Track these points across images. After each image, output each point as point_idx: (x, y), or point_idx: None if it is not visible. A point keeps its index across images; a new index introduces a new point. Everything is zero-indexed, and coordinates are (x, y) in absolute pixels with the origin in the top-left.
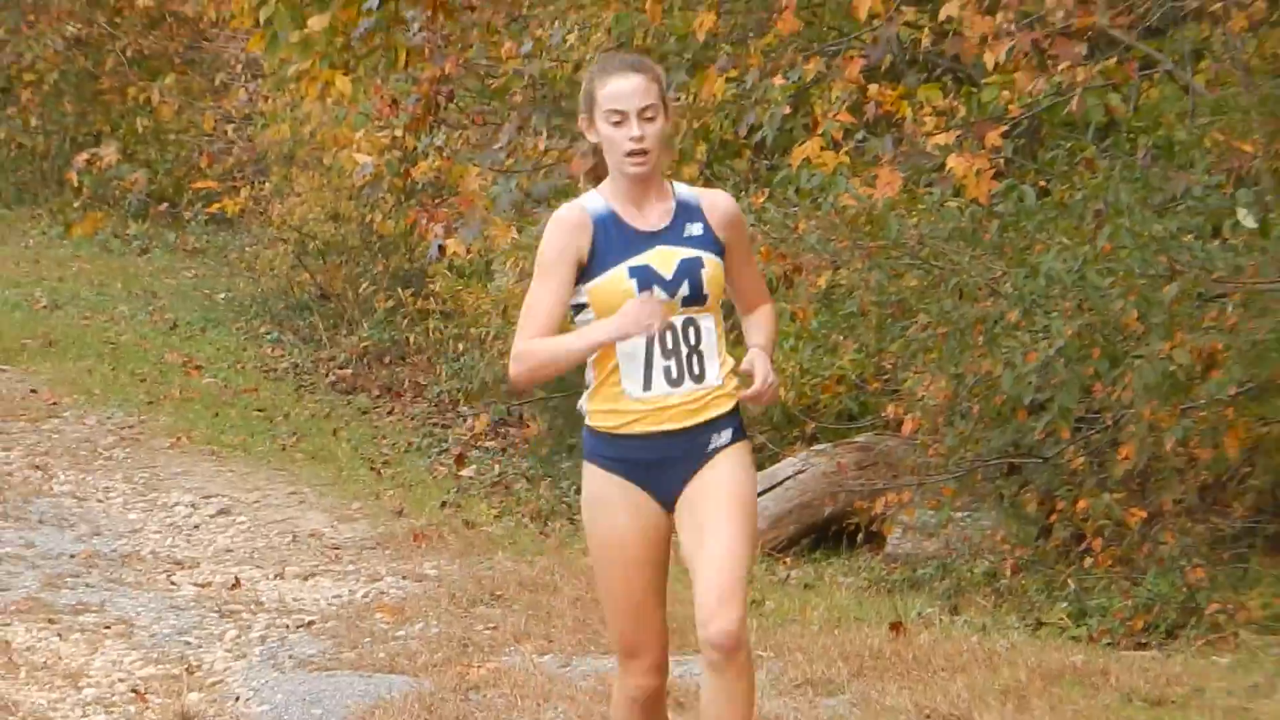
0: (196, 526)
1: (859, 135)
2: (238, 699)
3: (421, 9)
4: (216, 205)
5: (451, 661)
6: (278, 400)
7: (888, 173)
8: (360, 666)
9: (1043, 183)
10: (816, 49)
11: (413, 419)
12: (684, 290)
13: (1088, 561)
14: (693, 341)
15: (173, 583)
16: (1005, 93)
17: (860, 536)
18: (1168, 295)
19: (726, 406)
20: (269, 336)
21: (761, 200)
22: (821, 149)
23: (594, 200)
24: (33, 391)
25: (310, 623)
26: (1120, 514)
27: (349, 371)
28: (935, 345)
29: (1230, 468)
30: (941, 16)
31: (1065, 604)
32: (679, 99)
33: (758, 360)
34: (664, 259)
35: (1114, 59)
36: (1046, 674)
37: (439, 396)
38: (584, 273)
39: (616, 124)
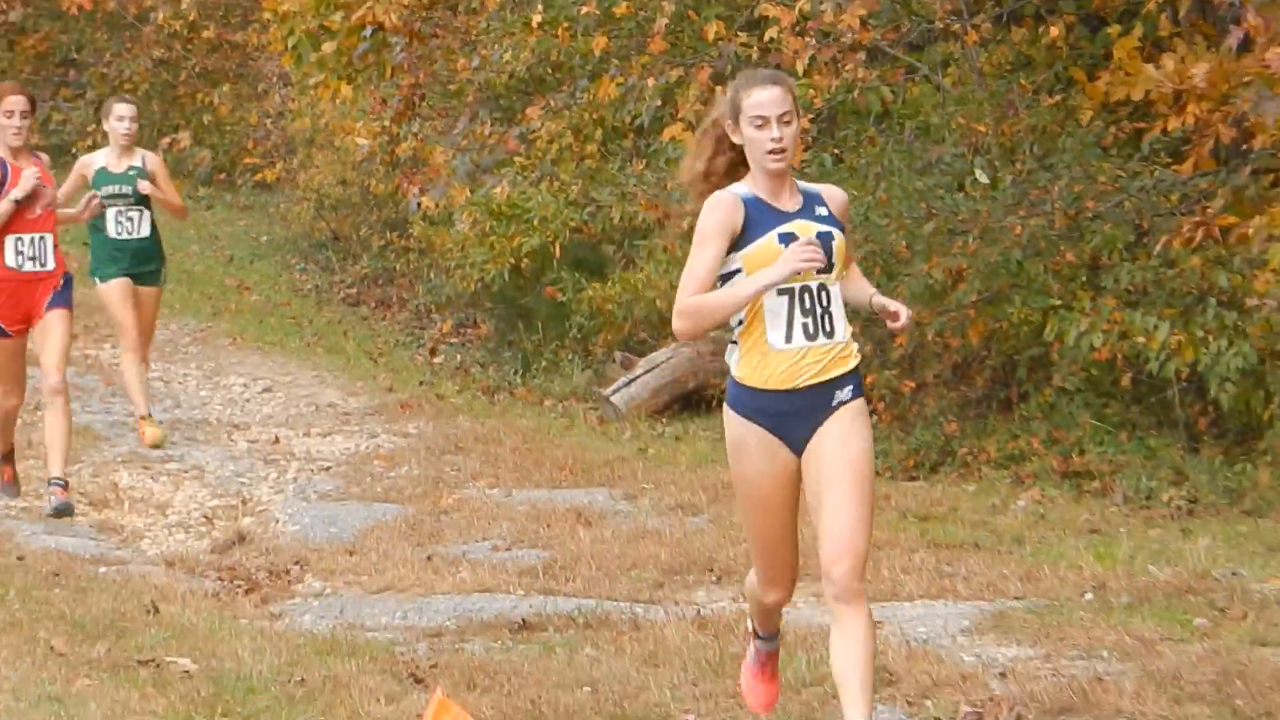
0: (248, 400)
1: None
2: (277, 521)
3: (401, 36)
4: (259, 175)
5: (427, 493)
6: (304, 311)
7: None
8: (364, 498)
9: (837, 153)
10: (678, 62)
11: (399, 324)
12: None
13: (874, 419)
14: (824, 303)
15: (231, 440)
16: (811, 90)
17: (714, 402)
18: (927, 231)
19: (849, 365)
20: (298, 267)
21: (640, 168)
22: (683, 130)
23: (741, 188)
24: None
25: (328, 468)
26: (897, 385)
27: (354, 290)
28: None
29: (973, 352)
30: (765, 38)
31: None
32: (582, 99)
33: (887, 300)
34: (804, 230)
35: (887, 66)
36: None
37: (418, 307)
38: (736, 243)
39: (759, 127)
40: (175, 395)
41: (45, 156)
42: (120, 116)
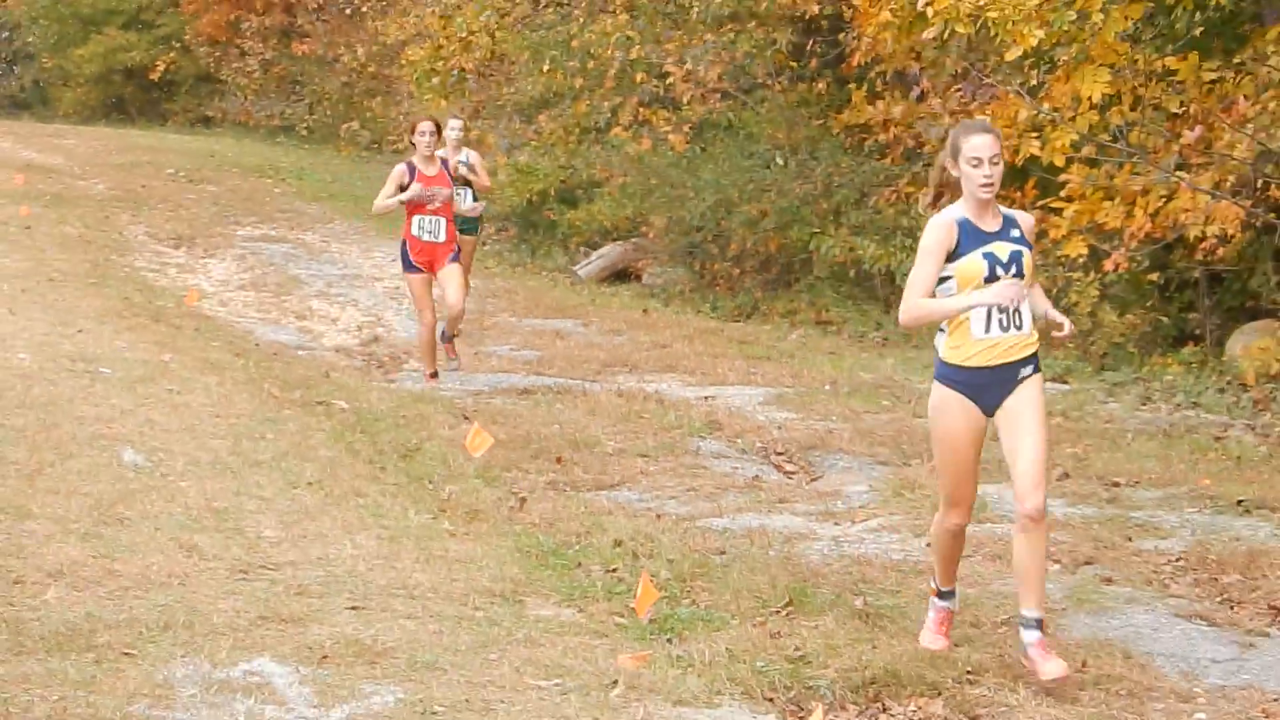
0: (381, 264)
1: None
2: (394, 331)
3: (473, 75)
4: (394, 146)
5: (476, 319)
6: None
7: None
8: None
9: (703, 147)
10: (619, 93)
11: None
12: (1013, 271)
13: (716, 291)
14: (1015, 305)
15: (373, 286)
16: (690, 112)
17: (634, 276)
18: (749, 188)
19: (1032, 349)
20: None
21: (598, 149)
22: (622, 131)
23: (956, 212)
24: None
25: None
26: (729, 270)
27: None
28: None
29: (771, 254)
30: (668, 83)
31: (710, 305)
32: (568, 112)
33: (1057, 314)
34: (1001, 249)
35: (731, 100)
36: (693, 331)
37: None
38: (950, 256)
39: (974, 165)
40: (345, 262)
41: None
42: (453, 128)
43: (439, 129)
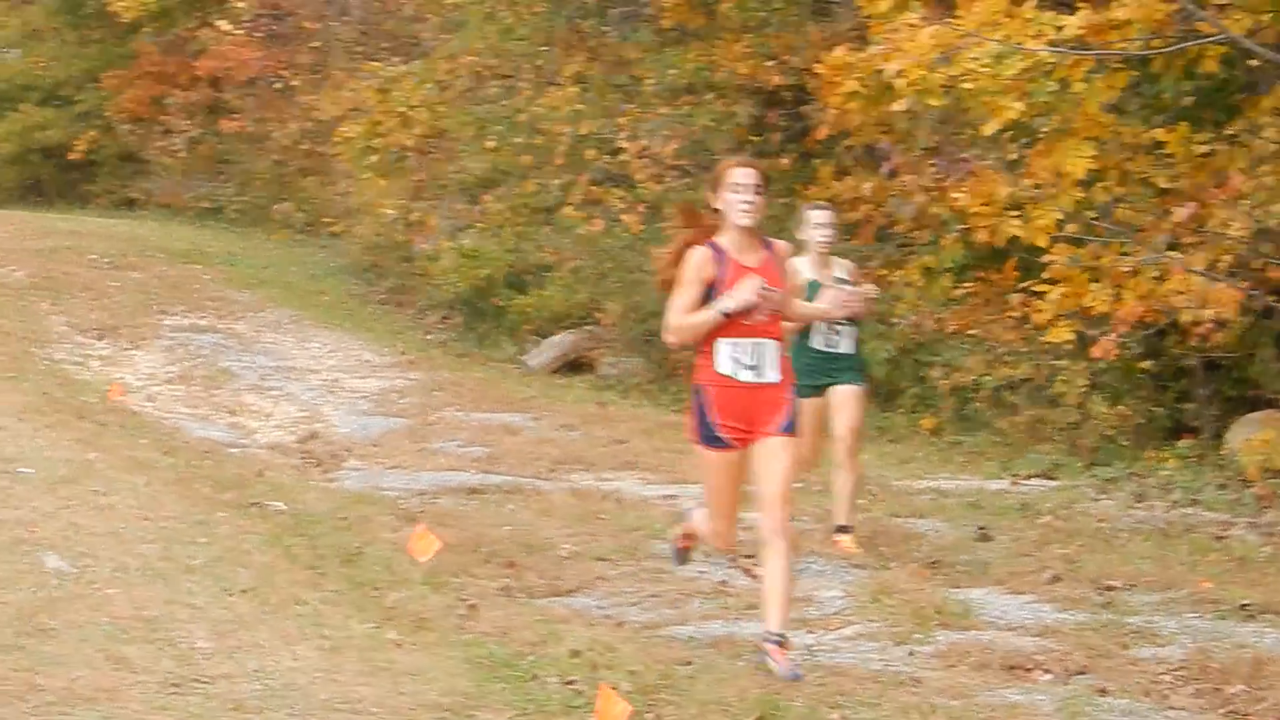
0: (319, 356)
1: None
2: (334, 426)
3: (414, 153)
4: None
5: (421, 413)
6: (353, 307)
7: None
8: (384, 414)
9: (661, 227)
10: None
11: (409, 316)
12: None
13: None
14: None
15: (308, 378)
16: (645, 190)
17: (585, 367)
18: None
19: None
20: (351, 282)
21: (547, 231)
22: (573, 211)
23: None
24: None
25: (364, 396)
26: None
27: (384, 296)
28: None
29: None
30: (620, 159)
31: (670, 398)
32: (515, 191)
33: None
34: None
35: (690, 178)
36: (653, 425)
37: (420, 306)
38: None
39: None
40: (279, 353)
41: (783, 245)
42: (819, 224)
43: (765, 182)
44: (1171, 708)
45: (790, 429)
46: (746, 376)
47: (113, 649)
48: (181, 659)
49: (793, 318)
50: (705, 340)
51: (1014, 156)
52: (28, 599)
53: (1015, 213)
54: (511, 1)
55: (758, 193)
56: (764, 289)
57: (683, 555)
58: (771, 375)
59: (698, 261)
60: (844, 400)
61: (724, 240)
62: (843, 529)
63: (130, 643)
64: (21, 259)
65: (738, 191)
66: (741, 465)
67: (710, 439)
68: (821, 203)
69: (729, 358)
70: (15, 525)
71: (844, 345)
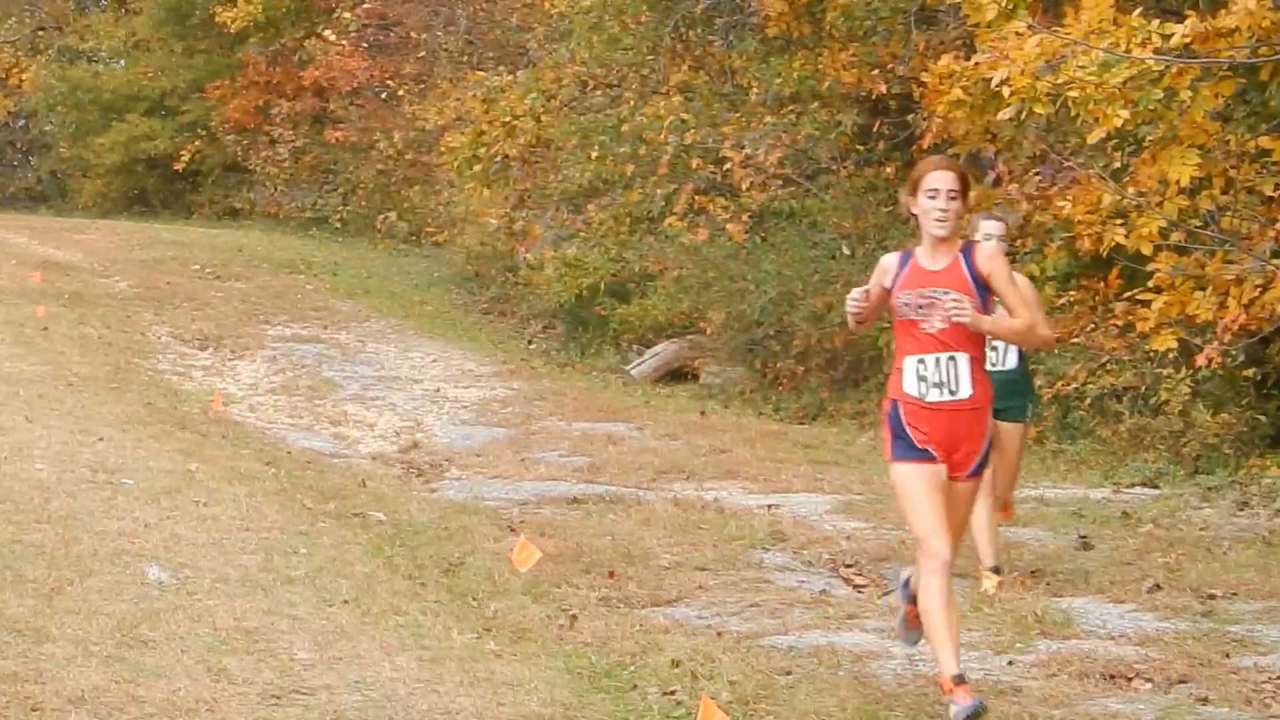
0: (422, 365)
1: None
2: (436, 436)
3: (518, 162)
4: (435, 238)
5: (523, 423)
6: (456, 316)
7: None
8: (486, 424)
9: (764, 236)
10: (674, 180)
11: (510, 325)
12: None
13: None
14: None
15: (412, 388)
16: (749, 199)
17: (689, 376)
18: (814, 280)
19: None
20: (455, 291)
21: (650, 240)
22: (677, 221)
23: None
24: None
25: (466, 405)
26: (794, 370)
27: (486, 306)
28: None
29: (838, 351)
30: (725, 168)
31: (772, 406)
32: (619, 200)
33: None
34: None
35: (794, 187)
36: (755, 434)
37: (522, 316)
38: None
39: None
40: (381, 362)
41: (987, 247)
42: (988, 234)
43: (964, 186)
44: (1273, 716)
45: (981, 469)
46: (935, 396)
47: (213, 660)
48: (282, 670)
49: (986, 331)
50: (896, 355)
51: (1119, 164)
52: (129, 610)
53: (1120, 221)
54: (618, 11)
55: (953, 198)
56: (922, 295)
57: (916, 635)
58: (965, 391)
59: (881, 265)
60: (1002, 440)
61: (920, 246)
62: (994, 570)
63: (231, 654)
64: (126, 269)
65: (934, 198)
66: (943, 479)
67: (908, 450)
68: (995, 212)
69: (915, 376)
70: (117, 536)
71: (1009, 362)
